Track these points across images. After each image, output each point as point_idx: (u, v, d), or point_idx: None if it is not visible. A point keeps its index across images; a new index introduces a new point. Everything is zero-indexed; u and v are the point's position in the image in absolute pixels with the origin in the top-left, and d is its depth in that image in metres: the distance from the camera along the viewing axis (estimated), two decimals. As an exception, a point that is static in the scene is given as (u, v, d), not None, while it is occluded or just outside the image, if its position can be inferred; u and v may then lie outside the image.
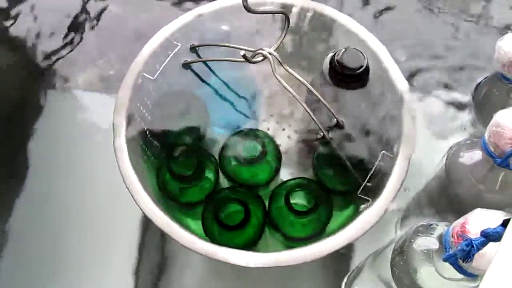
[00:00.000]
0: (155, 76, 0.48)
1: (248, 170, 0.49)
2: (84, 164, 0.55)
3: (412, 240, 0.36)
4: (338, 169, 0.46)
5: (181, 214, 0.49)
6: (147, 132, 0.49)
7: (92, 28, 0.63)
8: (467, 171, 0.42)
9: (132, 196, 0.42)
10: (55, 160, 0.56)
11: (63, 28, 0.63)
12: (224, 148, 0.50)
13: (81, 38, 0.62)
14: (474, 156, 0.42)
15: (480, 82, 0.52)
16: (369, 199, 0.43)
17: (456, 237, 0.31)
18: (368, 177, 0.44)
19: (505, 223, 0.24)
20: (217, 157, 0.50)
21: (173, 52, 0.49)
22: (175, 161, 0.46)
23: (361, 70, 0.44)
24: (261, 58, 0.44)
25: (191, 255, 0.40)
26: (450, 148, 0.45)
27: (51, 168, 0.56)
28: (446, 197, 0.46)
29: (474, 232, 0.30)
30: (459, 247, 0.27)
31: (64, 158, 0.56)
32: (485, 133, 0.39)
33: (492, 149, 0.38)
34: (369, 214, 0.41)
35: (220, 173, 0.50)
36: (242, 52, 0.44)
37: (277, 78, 0.43)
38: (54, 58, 0.61)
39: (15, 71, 0.62)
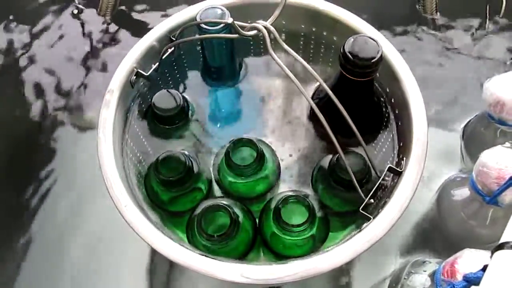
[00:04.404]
0: (149, 73, 0.47)
1: (241, 180, 0.46)
2: (94, 198, 0.56)
3: (406, 277, 0.37)
4: (338, 188, 0.44)
5: (171, 224, 0.47)
6: (136, 135, 0.48)
7: (102, 68, 0.66)
8: (458, 208, 0.44)
9: (111, 196, 0.40)
10: (67, 197, 0.57)
11: (73, 67, 0.65)
12: (217, 156, 0.48)
13: (90, 77, 0.65)
14: (464, 193, 0.44)
15: (469, 120, 0.54)
16: (371, 216, 0.39)
17: (446, 276, 0.33)
18: (371, 192, 0.40)
19: (485, 268, 0.25)
20: (211, 165, 0.48)
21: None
22: (163, 168, 0.44)
23: (376, 59, 0.40)
24: (254, 32, 0.41)
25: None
26: (442, 184, 0.47)
27: (62, 204, 0.57)
28: (439, 232, 0.47)
29: (462, 272, 0.32)
30: (443, 291, 0.29)
31: (76, 194, 0.57)
32: (473, 171, 0.41)
33: (480, 188, 0.40)
34: (371, 231, 0.38)
35: (215, 183, 0.48)
36: (230, 19, 0.40)
37: (271, 55, 0.39)
38: (64, 97, 0.63)
39: (24, 112, 0.64)
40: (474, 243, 0.45)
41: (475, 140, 0.51)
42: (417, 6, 0.66)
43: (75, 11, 0.69)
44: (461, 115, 0.58)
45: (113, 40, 0.67)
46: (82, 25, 0.69)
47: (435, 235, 0.49)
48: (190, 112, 0.51)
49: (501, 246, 0.25)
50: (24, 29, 0.69)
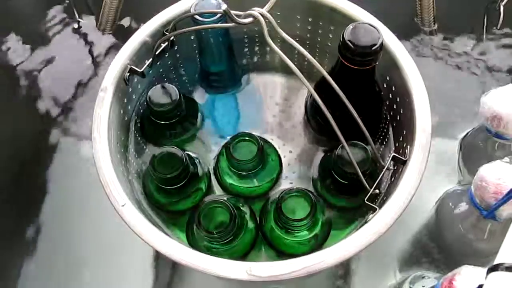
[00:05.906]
0: (143, 69, 0.46)
1: (242, 178, 0.45)
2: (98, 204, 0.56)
3: (405, 292, 0.37)
4: (341, 181, 0.43)
5: (171, 225, 0.47)
6: (133, 134, 0.47)
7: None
8: (456, 221, 0.44)
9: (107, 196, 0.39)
10: (69, 198, 0.58)
11: (74, 81, 0.65)
12: (218, 154, 0.47)
13: (91, 92, 0.64)
14: (462, 206, 0.44)
15: (467, 133, 0.54)
16: (377, 207, 0.38)
17: (444, 292, 0.33)
18: (377, 181, 0.39)
19: (480, 288, 0.25)
20: (210, 164, 0.47)
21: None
22: (159, 165, 0.42)
23: (377, 46, 0.39)
24: (250, 19, 0.39)
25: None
26: (440, 197, 0.47)
27: (66, 208, 0.57)
28: (438, 245, 0.47)
29: (461, 289, 0.32)
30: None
31: (79, 201, 0.57)
32: (471, 184, 0.41)
33: (478, 202, 0.40)
34: (378, 221, 0.36)
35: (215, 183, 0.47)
36: (224, 6, 0.38)
37: (268, 43, 0.38)
38: (67, 106, 0.63)
39: (27, 120, 0.64)
40: (472, 256, 0.45)
41: (473, 153, 0.51)
42: (415, 19, 0.66)
43: (76, 26, 0.69)
44: (459, 127, 0.58)
45: (114, 54, 0.67)
46: (83, 39, 0.68)
47: (434, 248, 0.49)
48: (200, 116, 0.50)
49: (495, 268, 0.25)
50: (25, 43, 0.68)
